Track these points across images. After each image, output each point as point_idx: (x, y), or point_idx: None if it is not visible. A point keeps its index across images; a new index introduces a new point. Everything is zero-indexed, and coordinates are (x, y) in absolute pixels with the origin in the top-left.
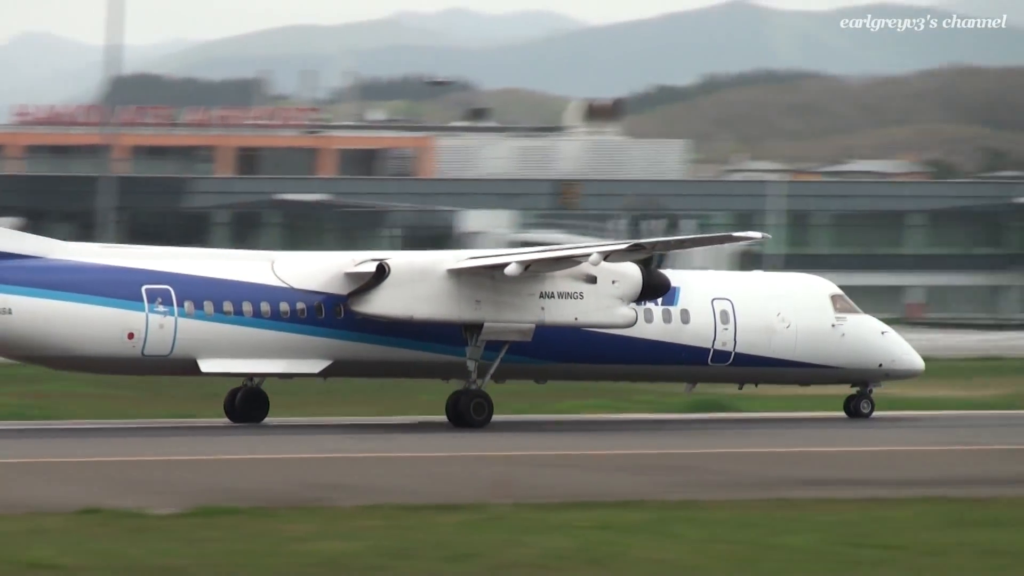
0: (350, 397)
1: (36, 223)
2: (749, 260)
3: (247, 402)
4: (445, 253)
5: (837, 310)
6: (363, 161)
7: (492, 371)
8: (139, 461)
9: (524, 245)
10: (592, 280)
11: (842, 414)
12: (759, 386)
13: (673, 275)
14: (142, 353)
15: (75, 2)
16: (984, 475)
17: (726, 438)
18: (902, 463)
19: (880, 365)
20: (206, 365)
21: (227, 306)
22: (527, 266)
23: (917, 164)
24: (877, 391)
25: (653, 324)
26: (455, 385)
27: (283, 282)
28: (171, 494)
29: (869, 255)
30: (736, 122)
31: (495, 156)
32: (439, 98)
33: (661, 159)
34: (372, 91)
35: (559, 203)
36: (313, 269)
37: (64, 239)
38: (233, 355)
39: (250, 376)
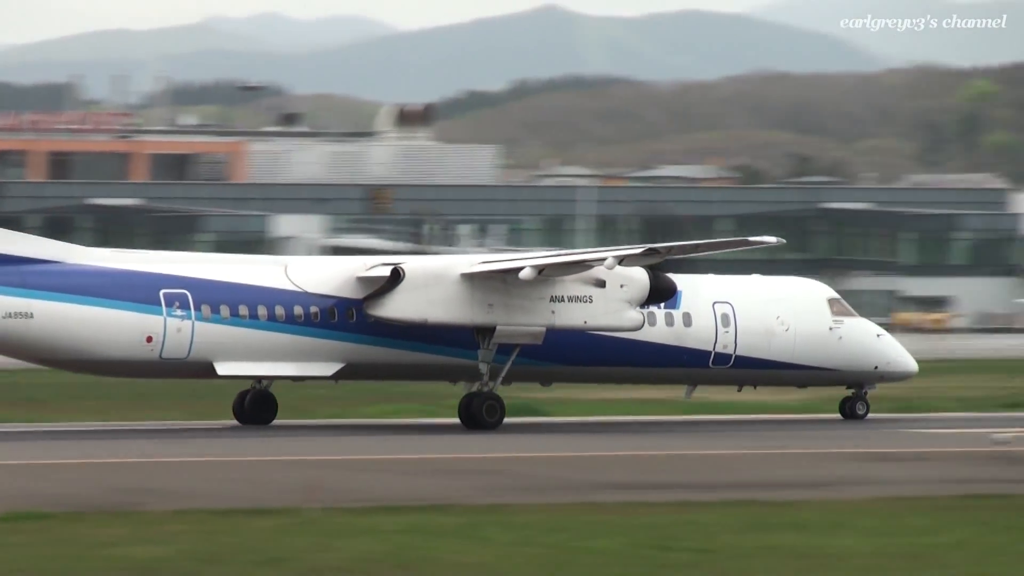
0: (155, 402)
1: None
2: None
3: (256, 404)
4: (458, 257)
5: (834, 313)
6: (175, 166)
7: (504, 373)
8: None
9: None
10: (601, 284)
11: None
12: (757, 388)
13: (675, 279)
14: (160, 356)
15: None
16: (788, 479)
17: (536, 442)
18: (708, 467)
19: (876, 367)
20: (222, 368)
21: (242, 310)
22: (541, 270)
23: (725, 169)
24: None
25: (657, 327)
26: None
27: (296, 286)
28: None
29: (678, 260)
30: (546, 127)
31: (307, 161)
32: (251, 103)
33: (472, 164)
34: (184, 96)
35: (370, 208)
36: (325, 273)
37: None
38: (248, 358)
39: (258, 379)
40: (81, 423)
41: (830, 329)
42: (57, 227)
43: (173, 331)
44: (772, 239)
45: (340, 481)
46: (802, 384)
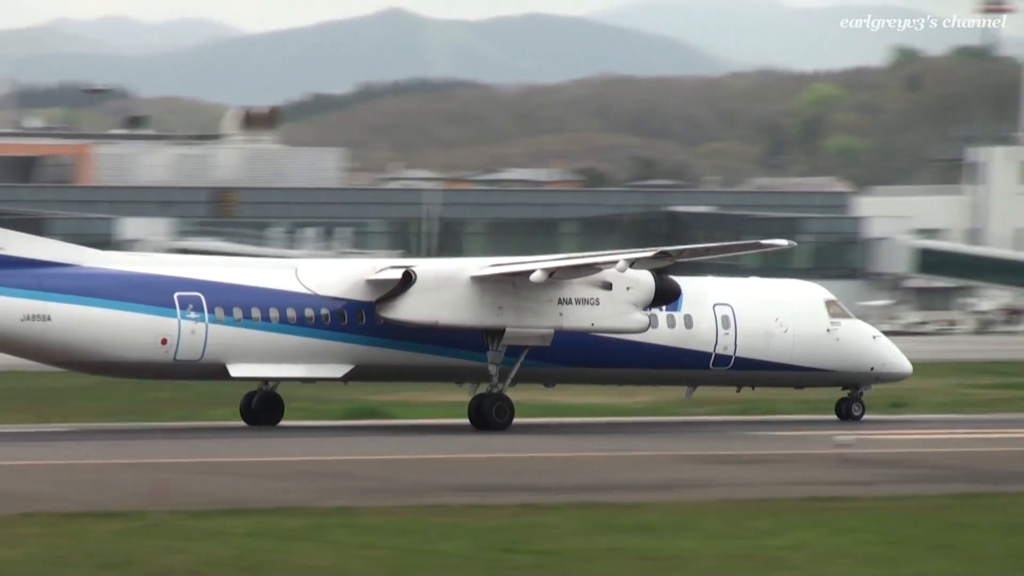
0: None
1: None
2: None
3: (263, 405)
4: (468, 260)
5: (831, 315)
6: (21, 169)
7: (513, 374)
8: None
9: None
10: (608, 287)
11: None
12: (756, 389)
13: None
14: (174, 358)
15: None
16: (633, 481)
17: (381, 445)
18: (552, 469)
19: (871, 368)
20: (235, 370)
21: (255, 312)
22: (551, 273)
23: (569, 172)
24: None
25: (659, 329)
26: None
27: (307, 289)
28: None
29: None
30: (392, 130)
31: (153, 164)
32: (97, 106)
33: (318, 167)
34: (29, 98)
35: (217, 211)
36: (335, 276)
37: None
38: (261, 360)
39: (265, 380)
40: None
41: (827, 331)
42: None
43: (187, 333)
44: (784, 242)
45: (187, 484)
46: (800, 385)
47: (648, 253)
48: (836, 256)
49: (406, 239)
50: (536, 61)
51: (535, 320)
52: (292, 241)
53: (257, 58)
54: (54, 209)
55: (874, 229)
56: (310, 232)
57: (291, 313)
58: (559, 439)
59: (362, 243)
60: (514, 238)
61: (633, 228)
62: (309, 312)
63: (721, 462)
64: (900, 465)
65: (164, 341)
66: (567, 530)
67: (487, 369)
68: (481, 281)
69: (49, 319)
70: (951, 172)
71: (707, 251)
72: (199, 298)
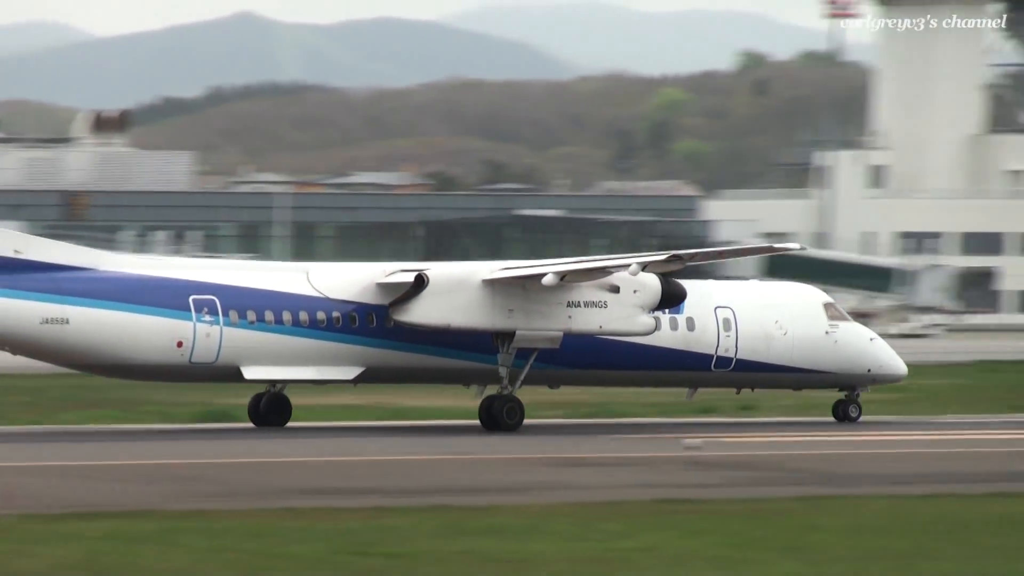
0: None
1: None
2: None
3: (271, 406)
4: (479, 264)
5: (829, 318)
6: None
7: (523, 376)
8: None
9: None
10: (615, 290)
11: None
12: (755, 390)
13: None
14: (190, 361)
15: None
16: (485, 483)
17: (231, 448)
18: (407, 472)
19: (869, 370)
20: (249, 372)
21: (268, 315)
22: (563, 276)
23: (419, 176)
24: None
25: (663, 332)
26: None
27: (319, 292)
28: None
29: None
30: (242, 134)
31: (2, 167)
32: None
33: (168, 170)
34: None
35: (67, 215)
36: (346, 280)
37: None
38: (274, 362)
39: (274, 382)
40: None
41: (826, 333)
42: None
43: (202, 336)
44: (796, 245)
45: (37, 487)
46: (798, 387)
47: (660, 257)
48: None
49: (256, 242)
50: (386, 65)
51: (545, 323)
52: (143, 245)
53: (107, 61)
54: None
55: (722, 232)
56: (161, 236)
57: (303, 316)
58: (414, 443)
59: (213, 247)
60: (364, 241)
61: (483, 232)
62: (321, 315)
63: (574, 465)
64: (748, 468)
65: (180, 344)
66: (419, 533)
67: (497, 371)
68: (492, 284)
69: (67, 322)
70: (798, 176)
71: (719, 255)
72: (214, 301)
